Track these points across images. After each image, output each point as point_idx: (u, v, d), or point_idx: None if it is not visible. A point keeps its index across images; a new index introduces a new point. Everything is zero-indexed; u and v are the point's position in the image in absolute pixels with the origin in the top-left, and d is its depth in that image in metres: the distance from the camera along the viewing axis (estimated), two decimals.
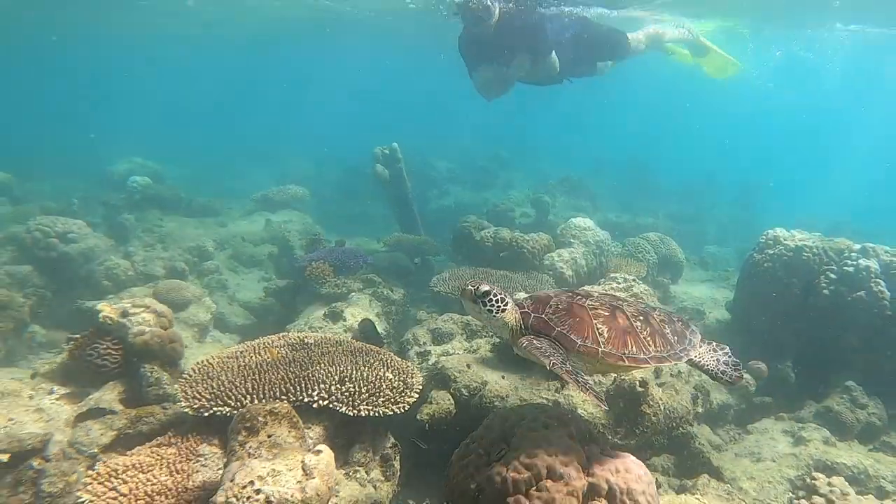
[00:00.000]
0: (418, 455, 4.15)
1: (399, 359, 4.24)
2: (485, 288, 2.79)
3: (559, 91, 8.83)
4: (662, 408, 4.01)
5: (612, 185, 16.64)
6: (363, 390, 3.64)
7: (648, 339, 2.93)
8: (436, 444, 4.17)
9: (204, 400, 3.46)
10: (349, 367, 3.81)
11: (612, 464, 2.70)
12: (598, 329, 2.84)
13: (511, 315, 2.87)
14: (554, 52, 7.70)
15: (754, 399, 5.32)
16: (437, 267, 8.73)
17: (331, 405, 3.52)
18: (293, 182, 13.47)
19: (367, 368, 3.86)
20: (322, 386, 3.58)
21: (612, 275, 5.12)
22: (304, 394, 3.52)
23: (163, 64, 35.19)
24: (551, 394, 4.50)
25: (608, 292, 3.24)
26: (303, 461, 2.56)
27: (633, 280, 4.95)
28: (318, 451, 2.61)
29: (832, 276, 5.32)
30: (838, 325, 5.18)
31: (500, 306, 2.80)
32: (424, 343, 5.60)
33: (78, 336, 4.13)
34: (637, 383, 4.02)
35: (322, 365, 3.78)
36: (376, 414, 3.57)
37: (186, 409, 3.45)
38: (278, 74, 41.02)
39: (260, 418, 2.78)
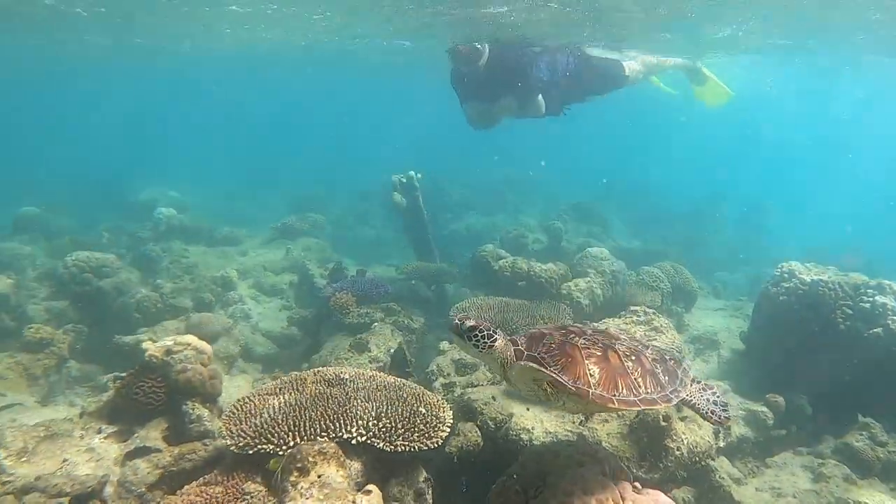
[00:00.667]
0: (445, 487, 4.28)
1: (429, 392, 4.39)
2: (470, 323, 2.85)
3: (572, 117, 9.09)
4: (686, 442, 4.14)
5: (621, 209, 16.86)
6: (399, 426, 3.79)
7: (640, 380, 2.97)
8: (463, 476, 4.31)
9: (248, 438, 3.62)
10: (384, 403, 3.97)
11: (644, 500, 2.85)
12: (589, 370, 2.88)
13: (502, 351, 2.94)
14: (540, 96, 7.93)
15: (772, 432, 5.40)
16: (451, 294, 8.91)
17: (369, 441, 3.68)
18: (308, 209, 13.80)
19: (400, 403, 4.01)
20: (360, 422, 3.74)
21: (632, 308, 5.27)
22: (344, 430, 3.67)
23: (179, 90, 36.06)
24: (575, 426, 4.63)
25: (603, 329, 3.30)
26: (353, 501, 2.72)
27: (654, 313, 5.10)
28: (369, 492, 2.77)
29: (848, 311, 5.44)
30: (855, 361, 5.28)
31: (486, 342, 2.86)
32: (449, 374, 5.76)
33: (124, 374, 4.32)
34: (661, 418, 4.16)
35: (359, 401, 3.94)
36: (412, 449, 3.71)
37: (231, 447, 3.61)
38: (290, 101, 41.91)
39: (310, 458, 2.95)
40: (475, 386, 5.35)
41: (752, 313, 6.73)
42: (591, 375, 2.86)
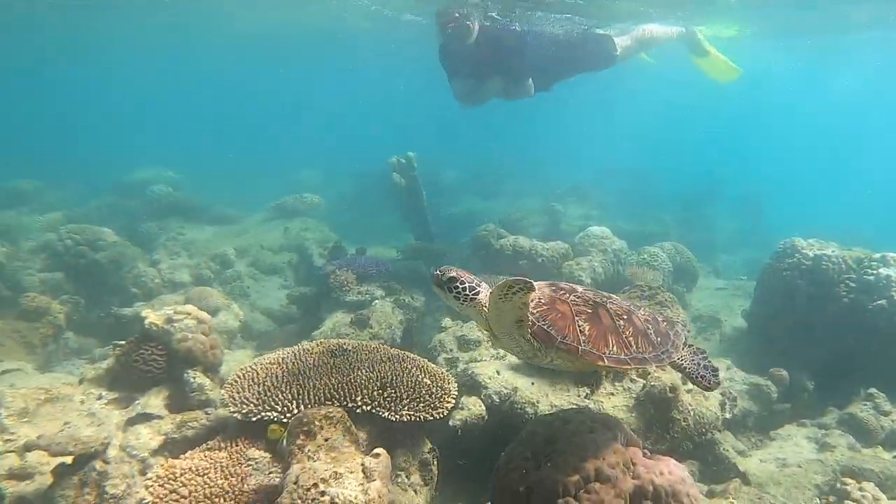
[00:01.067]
0: (451, 458, 4.26)
1: (433, 364, 4.35)
2: (451, 274, 2.70)
3: (566, 100, 8.90)
4: (692, 413, 4.12)
5: (619, 192, 16.80)
6: (403, 395, 3.75)
7: (631, 339, 2.85)
8: (468, 449, 4.29)
9: (252, 405, 3.58)
10: (388, 373, 3.92)
11: (656, 466, 2.80)
12: (579, 326, 2.76)
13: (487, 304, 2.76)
14: (530, 80, 7.72)
15: (775, 406, 5.41)
16: None
17: (373, 410, 3.63)
18: (306, 190, 13.67)
19: (405, 374, 3.97)
20: (364, 391, 3.70)
21: (637, 283, 5.24)
22: (348, 399, 3.63)
23: (175, 73, 35.63)
24: (580, 399, 4.61)
25: (611, 296, 3.17)
26: (363, 464, 2.67)
27: (658, 288, 5.07)
28: (377, 455, 2.72)
29: (852, 284, 5.44)
30: (859, 333, 5.29)
31: (467, 294, 2.71)
32: (451, 350, 5.72)
33: (124, 342, 4.25)
34: (667, 389, 4.13)
35: (363, 371, 3.90)
36: (417, 419, 3.68)
37: (234, 414, 3.56)
38: (287, 84, 41.49)
39: (317, 422, 2.89)
40: (478, 361, 5.31)
41: (755, 289, 6.71)
42: (581, 332, 2.74)
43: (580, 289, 3.10)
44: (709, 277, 10.02)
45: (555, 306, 2.82)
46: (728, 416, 4.53)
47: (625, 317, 2.94)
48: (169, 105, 38.48)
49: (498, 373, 4.90)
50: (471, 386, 4.75)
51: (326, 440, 2.83)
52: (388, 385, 3.80)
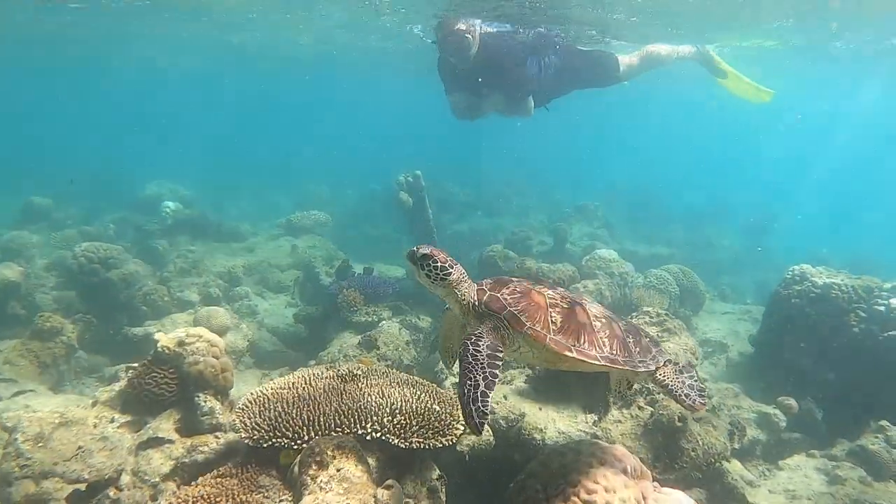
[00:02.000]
0: (456, 485, 4.26)
1: (442, 390, 4.37)
2: (425, 251, 2.72)
3: (572, 118, 8.88)
4: (701, 443, 4.12)
5: (624, 211, 16.86)
6: (413, 422, 3.77)
7: (606, 340, 2.80)
8: (475, 474, 4.30)
9: (263, 431, 3.60)
10: (399, 400, 3.94)
11: (666, 500, 2.82)
12: (551, 317, 2.73)
13: (462, 288, 2.80)
14: (530, 98, 7.66)
15: (783, 435, 5.38)
16: None
17: (383, 437, 3.65)
18: (313, 207, 13.79)
19: (415, 400, 3.99)
20: (374, 418, 3.72)
21: (644, 309, 5.26)
22: (359, 426, 3.65)
23: (182, 90, 36.11)
24: (589, 427, 4.61)
25: (621, 318, 3.11)
26: (375, 496, 2.69)
27: (667, 314, 5.09)
28: (389, 486, 2.74)
29: (862, 314, 5.44)
30: (869, 364, 5.27)
31: (438, 273, 2.70)
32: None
33: (136, 365, 4.29)
34: (676, 418, 4.14)
35: (373, 397, 3.92)
36: (427, 446, 3.69)
37: (246, 440, 3.59)
38: (295, 100, 41.98)
39: (329, 452, 2.92)
40: None
41: (762, 316, 6.71)
42: (552, 322, 2.71)
43: (562, 288, 3.08)
44: (715, 301, 10.02)
45: (530, 296, 2.80)
46: (736, 446, 4.52)
47: (603, 320, 2.90)
48: (180, 119, 38.99)
49: (505, 398, 4.91)
50: None
51: (339, 470, 2.85)
52: (398, 412, 3.82)
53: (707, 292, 9.07)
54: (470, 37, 7.10)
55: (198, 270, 8.56)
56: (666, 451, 4.15)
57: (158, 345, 4.28)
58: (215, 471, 3.61)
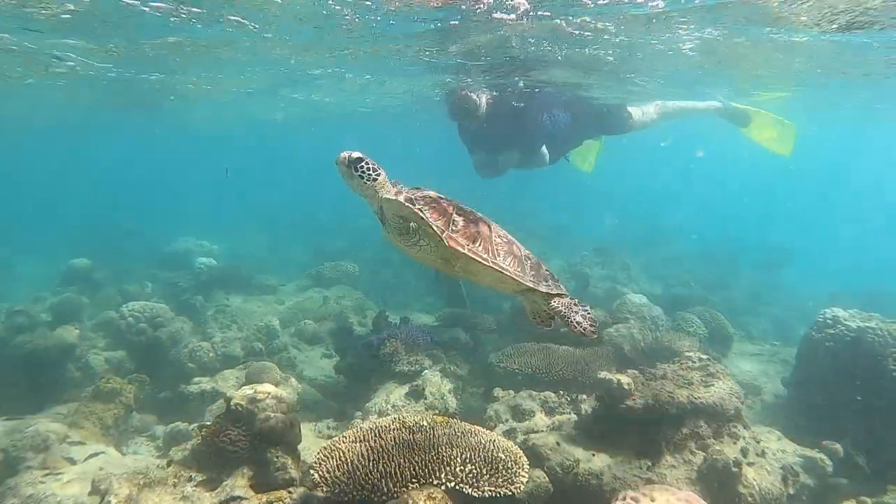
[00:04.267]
0: None
1: (504, 438, 4.54)
2: (357, 155, 2.99)
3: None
4: (758, 488, 4.24)
5: (639, 251, 17.11)
6: (483, 471, 3.94)
7: (500, 252, 3.09)
8: None
9: (342, 484, 3.78)
10: (467, 448, 4.12)
11: None
12: (454, 220, 3.02)
13: (385, 190, 3.04)
14: (544, 147, 8.08)
15: (829, 480, 5.40)
16: (486, 343, 9.02)
17: (457, 486, 3.81)
18: (332, 256, 14.09)
19: (481, 449, 4.16)
20: (447, 468, 3.89)
21: (686, 354, 5.44)
22: (433, 476, 3.82)
23: (201, 148, 37.20)
24: (643, 472, 4.74)
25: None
26: None
27: (709, 359, 5.26)
28: None
29: None
30: None
31: (370, 174, 2.98)
32: (507, 420, 5.89)
33: (210, 424, 4.49)
34: (731, 463, 4.28)
35: (443, 447, 4.09)
36: (497, 494, 3.84)
37: (327, 494, 3.76)
38: (309, 153, 43.02)
39: (421, 502, 3.10)
40: (536, 432, 5.46)
41: (795, 359, 6.84)
42: (453, 224, 3.00)
43: (477, 213, 3.32)
44: (742, 342, 10.11)
45: (440, 203, 3.10)
46: (791, 491, 4.60)
47: (505, 238, 3.21)
48: (199, 175, 40.02)
49: (558, 444, 5.06)
50: (531, 457, 4.89)
51: None
52: (468, 461, 3.99)
53: (735, 334, 9.21)
54: (475, 97, 7.66)
55: (238, 325, 8.81)
56: (722, 497, 4.27)
57: (232, 402, 4.50)
58: None
